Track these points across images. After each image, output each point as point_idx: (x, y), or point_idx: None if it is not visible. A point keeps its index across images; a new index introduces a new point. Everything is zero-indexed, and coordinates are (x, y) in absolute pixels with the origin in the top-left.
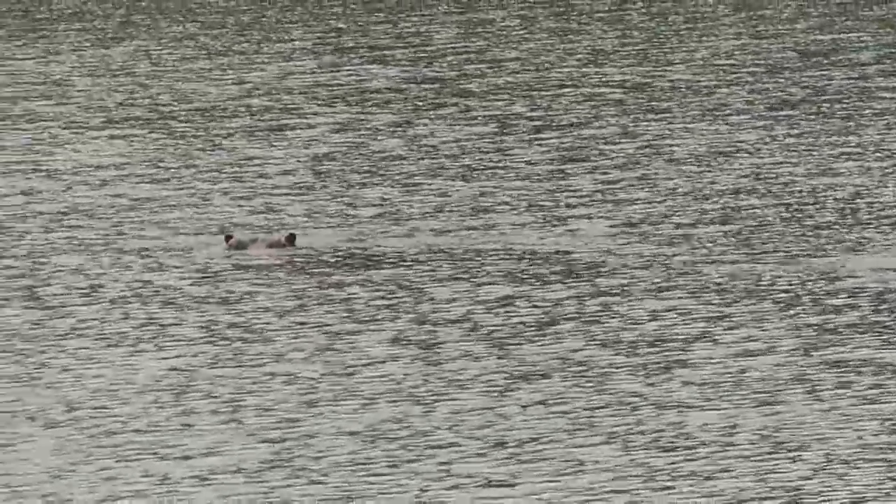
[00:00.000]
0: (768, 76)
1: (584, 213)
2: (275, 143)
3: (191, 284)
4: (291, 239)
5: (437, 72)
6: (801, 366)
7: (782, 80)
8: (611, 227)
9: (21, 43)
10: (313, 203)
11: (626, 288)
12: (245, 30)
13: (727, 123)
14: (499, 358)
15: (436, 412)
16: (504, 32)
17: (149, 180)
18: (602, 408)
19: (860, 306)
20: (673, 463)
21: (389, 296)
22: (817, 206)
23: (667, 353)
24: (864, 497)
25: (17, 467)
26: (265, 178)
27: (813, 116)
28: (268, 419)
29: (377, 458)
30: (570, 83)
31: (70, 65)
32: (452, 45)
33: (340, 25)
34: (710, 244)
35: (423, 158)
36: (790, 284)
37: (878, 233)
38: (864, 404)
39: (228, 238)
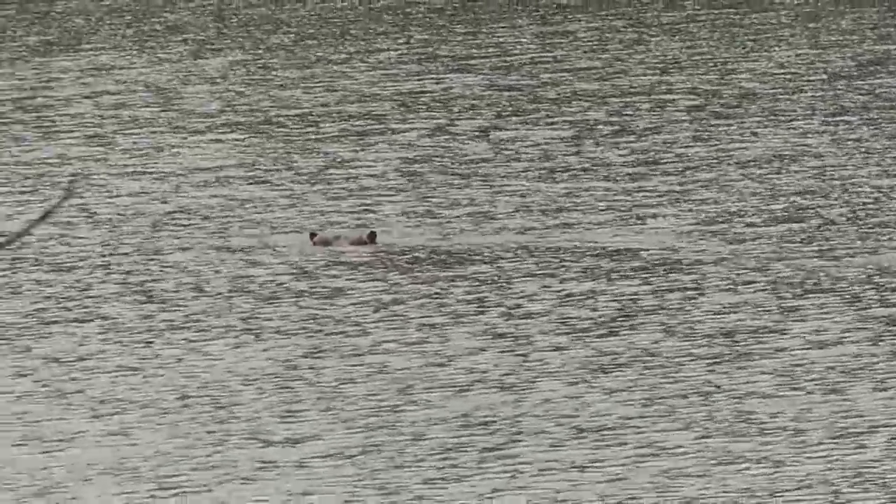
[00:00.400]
0: (829, 83)
1: (659, 213)
2: (366, 147)
3: (289, 280)
4: (373, 237)
5: (519, 80)
6: (868, 357)
7: (842, 88)
8: (684, 225)
9: (129, 53)
10: (403, 203)
11: (699, 283)
12: (336, 41)
13: (792, 128)
14: (581, 349)
15: (524, 401)
16: (580, 43)
17: (248, 181)
18: (678, 396)
19: None
20: (746, 449)
21: (477, 290)
22: (879, 205)
23: (739, 345)
24: None
25: (132, 452)
26: (357, 179)
27: (872, 121)
28: (364, 407)
29: (468, 445)
30: (642, 90)
31: (173, 74)
32: (532, 55)
33: (426, 36)
34: (779, 241)
35: (506, 161)
36: (856, 279)
37: None
38: None
39: (313, 235)
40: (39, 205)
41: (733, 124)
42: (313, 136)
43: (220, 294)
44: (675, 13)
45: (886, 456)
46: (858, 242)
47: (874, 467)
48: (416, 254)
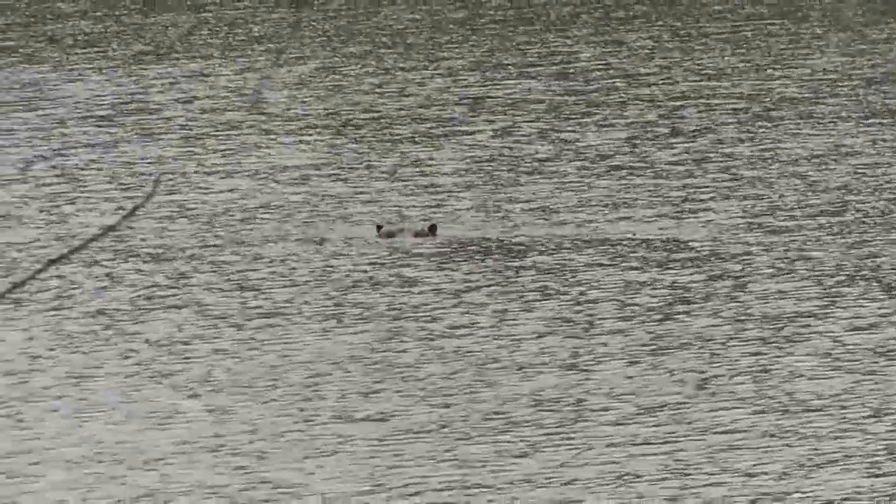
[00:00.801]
0: (867, 88)
1: (710, 207)
2: (440, 148)
3: (369, 269)
4: (433, 229)
5: (581, 85)
6: None
7: (881, 92)
8: (731, 218)
9: (220, 61)
10: (474, 198)
11: (748, 271)
12: (407, 50)
13: (832, 129)
14: (640, 332)
15: (588, 381)
16: (637, 51)
17: (332, 179)
18: (730, 376)
19: None
20: (792, 425)
21: (542, 279)
22: None
23: (785, 328)
24: None
25: (234, 429)
26: (429, 177)
27: None
28: (444, 386)
29: (539, 421)
30: (694, 95)
31: (258, 80)
32: (593, 62)
33: (495, 44)
34: (821, 233)
35: (567, 160)
36: (893, 268)
37: None
38: None
39: (379, 228)
40: (131, 201)
41: (777, 126)
42: (388, 138)
43: (306, 282)
44: (721, 24)
45: None
46: (894, 233)
47: None
48: (482, 244)
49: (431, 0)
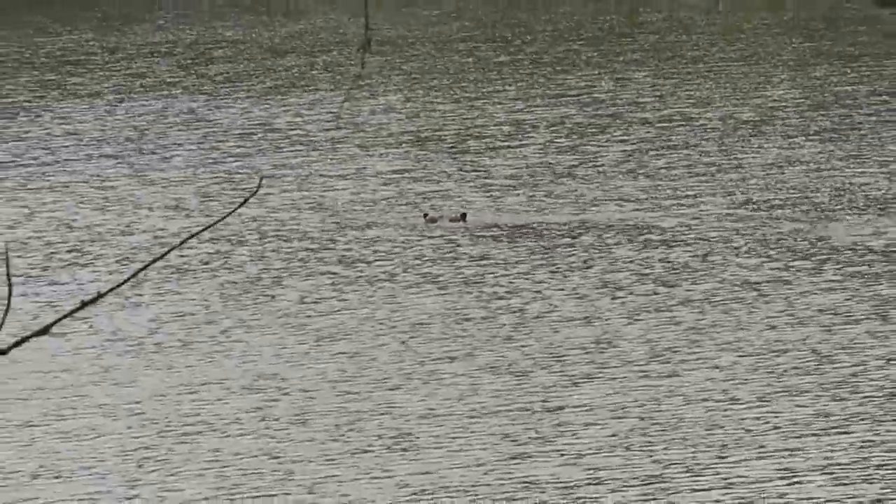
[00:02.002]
0: (810, 112)
1: (695, 201)
2: (495, 157)
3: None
4: (464, 216)
5: (599, 110)
6: None
7: (820, 116)
8: (715, 208)
9: (330, 94)
10: (528, 194)
11: (724, 247)
12: (468, 83)
13: (784, 143)
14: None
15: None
16: (639, 85)
17: (417, 181)
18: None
19: None
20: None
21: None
22: None
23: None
24: None
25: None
26: (488, 179)
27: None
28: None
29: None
30: (680, 117)
31: (360, 103)
32: (607, 93)
33: (532, 80)
34: (782, 219)
35: (593, 166)
36: (842, 245)
37: None
38: None
39: (426, 216)
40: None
41: (741, 140)
42: (456, 150)
43: (404, 262)
44: (698, 65)
45: None
46: (836, 220)
47: None
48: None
49: (482, 47)
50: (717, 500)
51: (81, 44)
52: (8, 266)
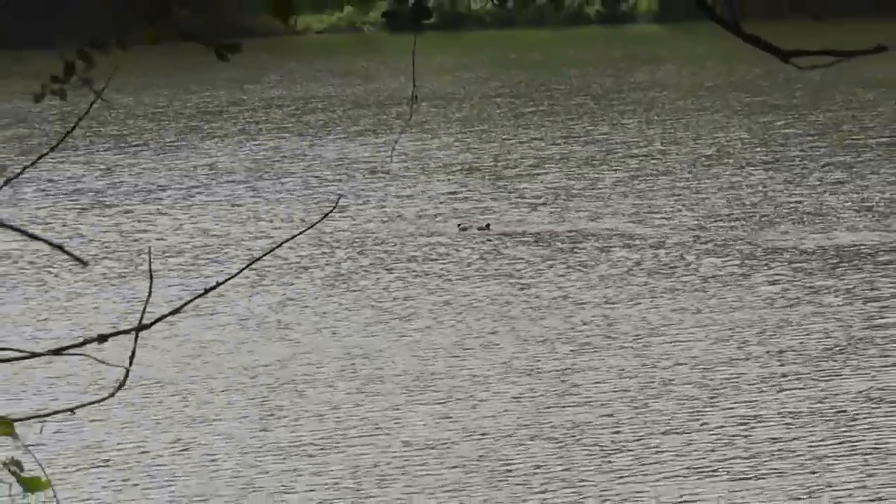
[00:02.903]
0: (753, 146)
1: (667, 213)
2: (531, 182)
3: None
4: (488, 226)
5: (600, 146)
6: None
7: (761, 149)
8: (684, 218)
9: (420, 134)
10: (548, 209)
11: (688, 248)
12: (508, 126)
13: (734, 172)
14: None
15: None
16: (628, 129)
17: (464, 200)
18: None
19: None
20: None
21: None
22: None
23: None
24: None
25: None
26: (526, 199)
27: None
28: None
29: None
30: (659, 153)
31: (420, 146)
32: (606, 134)
33: (576, 124)
34: (725, 228)
35: (596, 189)
36: (783, 245)
37: None
38: None
39: (459, 225)
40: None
41: (702, 169)
42: (497, 175)
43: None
44: (673, 115)
45: None
46: (773, 226)
47: None
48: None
49: (512, 101)
50: None
51: (216, 98)
52: (150, 261)
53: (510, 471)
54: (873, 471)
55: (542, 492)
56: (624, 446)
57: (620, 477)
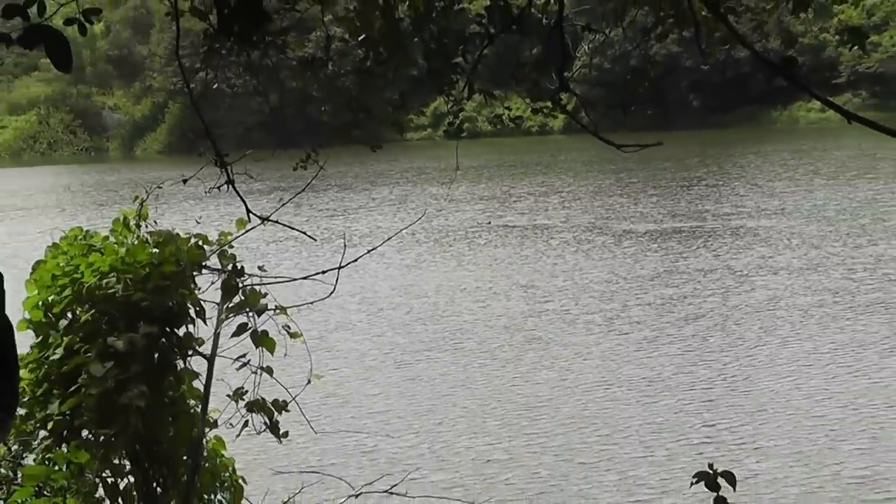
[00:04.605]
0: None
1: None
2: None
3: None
4: (489, 222)
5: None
6: None
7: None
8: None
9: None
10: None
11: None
12: (529, 203)
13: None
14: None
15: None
16: (612, 195)
17: (495, 215)
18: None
19: None
20: None
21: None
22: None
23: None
24: None
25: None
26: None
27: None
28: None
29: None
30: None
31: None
32: (596, 196)
33: (569, 179)
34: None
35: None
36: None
37: None
38: None
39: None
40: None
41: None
42: (512, 208)
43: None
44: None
45: None
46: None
47: None
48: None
49: (521, 170)
50: None
51: (344, 167)
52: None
53: None
54: None
55: None
56: None
57: None
